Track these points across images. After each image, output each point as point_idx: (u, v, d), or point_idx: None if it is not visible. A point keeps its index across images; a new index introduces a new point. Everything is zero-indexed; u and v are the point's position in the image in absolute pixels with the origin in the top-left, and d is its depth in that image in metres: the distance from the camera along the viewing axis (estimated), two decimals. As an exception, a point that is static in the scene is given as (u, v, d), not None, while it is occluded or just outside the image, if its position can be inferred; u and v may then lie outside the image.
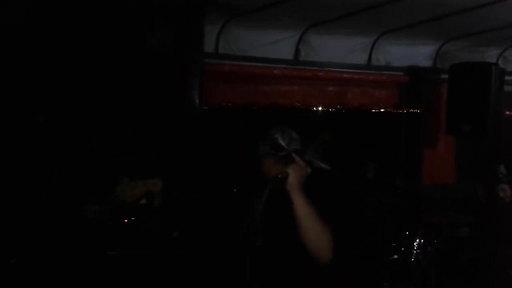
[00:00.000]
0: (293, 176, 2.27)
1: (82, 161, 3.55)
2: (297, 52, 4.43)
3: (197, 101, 3.75)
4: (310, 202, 2.24)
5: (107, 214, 3.26)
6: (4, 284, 2.84)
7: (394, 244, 4.00)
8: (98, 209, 3.30)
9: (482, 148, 5.05)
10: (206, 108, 4.05)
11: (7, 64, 3.24)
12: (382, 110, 5.20)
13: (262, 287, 2.45)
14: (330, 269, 2.28)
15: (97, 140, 3.63)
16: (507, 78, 4.77)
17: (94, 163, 3.57)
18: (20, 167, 3.32)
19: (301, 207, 2.22)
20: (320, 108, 4.94)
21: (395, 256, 3.94)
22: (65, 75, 3.48)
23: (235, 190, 3.93)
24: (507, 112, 5.47)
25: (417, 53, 4.93)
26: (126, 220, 3.20)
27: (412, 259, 3.85)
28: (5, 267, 2.81)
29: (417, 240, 3.89)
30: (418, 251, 3.85)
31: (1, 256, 2.85)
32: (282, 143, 2.44)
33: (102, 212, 3.28)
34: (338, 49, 4.57)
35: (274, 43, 4.31)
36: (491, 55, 5.10)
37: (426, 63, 5.02)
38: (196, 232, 3.39)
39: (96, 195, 3.39)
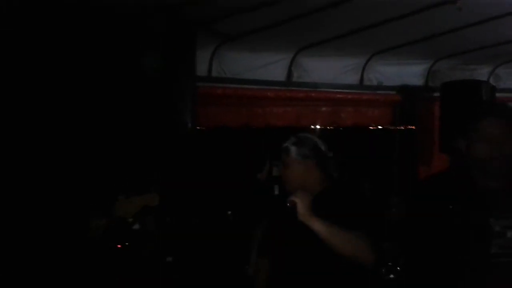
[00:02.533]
0: (302, 204, 2.19)
1: (79, 181, 3.55)
2: (289, 73, 4.47)
3: (189, 124, 3.77)
4: (325, 218, 2.18)
5: (107, 235, 3.26)
6: None
7: (390, 264, 3.98)
8: (101, 227, 3.29)
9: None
10: (199, 130, 4.07)
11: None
12: (376, 128, 5.23)
13: None
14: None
15: (94, 160, 3.64)
16: (498, 95, 4.82)
17: (92, 183, 3.58)
18: (17, 181, 3.33)
19: (323, 230, 2.15)
20: (314, 126, 4.95)
21: (391, 276, 3.92)
22: (62, 96, 3.51)
23: (229, 212, 3.92)
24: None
25: (408, 72, 4.97)
26: (119, 246, 3.18)
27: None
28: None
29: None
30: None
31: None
32: (322, 147, 2.41)
33: (104, 231, 3.27)
34: (330, 70, 4.62)
35: (266, 66, 4.36)
36: (482, 72, 5.14)
37: (418, 81, 5.07)
38: (190, 257, 3.37)
39: (96, 213, 3.38)
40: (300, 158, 2.37)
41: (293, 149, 2.39)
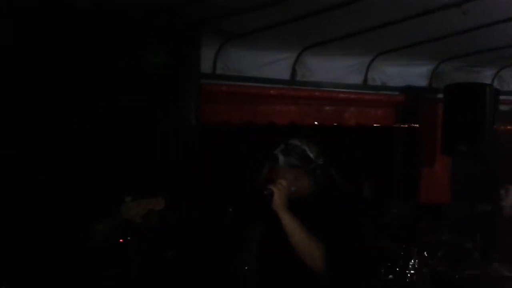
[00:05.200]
0: (278, 194, 2.31)
1: (84, 183, 3.57)
2: (293, 72, 4.48)
3: (193, 121, 3.80)
4: (297, 217, 2.31)
5: (113, 235, 3.28)
6: None
7: (389, 264, 4.01)
8: (105, 229, 3.31)
9: (479, 167, 5.07)
10: (203, 127, 4.09)
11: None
12: (378, 128, 5.22)
13: None
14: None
15: (97, 162, 3.66)
16: (502, 97, 4.82)
17: (98, 184, 3.60)
18: (21, 184, 3.36)
19: (290, 225, 2.29)
20: (316, 125, 4.95)
21: (390, 276, 3.95)
22: (65, 96, 3.53)
23: (230, 209, 3.95)
24: (509, 127, 5.48)
25: (412, 73, 4.98)
26: (121, 240, 3.21)
27: (407, 280, 3.86)
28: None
29: (412, 261, 3.90)
30: (413, 271, 3.85)
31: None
32: (311, 155, 2.44)
33: (109, 232, 3.30)
34: (334, 69, 4.63)
35: (270, 64, 4.37)
36: (486, 75, 5.15)
37: (422, 82, 5.07)
38: (191, 252, 3.40)
39: (101, 215, 3.41)
40: (288, 167, 2.41)
41: (281, 157, 2.44)
